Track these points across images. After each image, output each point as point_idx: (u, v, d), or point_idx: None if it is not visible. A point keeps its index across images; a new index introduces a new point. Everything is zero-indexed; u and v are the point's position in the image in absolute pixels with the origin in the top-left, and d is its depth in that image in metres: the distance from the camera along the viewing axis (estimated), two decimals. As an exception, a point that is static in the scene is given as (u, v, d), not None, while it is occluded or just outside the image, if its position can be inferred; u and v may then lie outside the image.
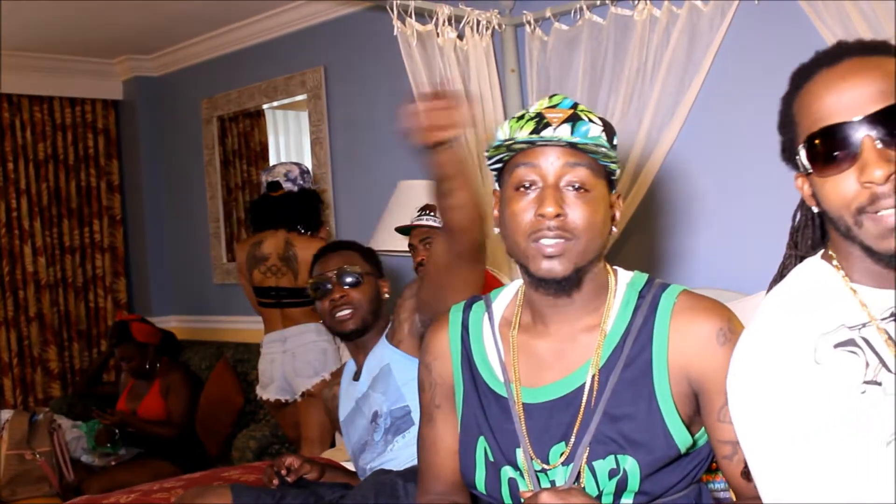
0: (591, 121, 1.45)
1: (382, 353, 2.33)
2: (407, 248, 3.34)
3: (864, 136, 1.14)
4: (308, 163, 4.77)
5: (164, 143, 5.78)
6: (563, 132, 1.42)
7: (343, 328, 2.37)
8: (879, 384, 1.15)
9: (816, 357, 1.18)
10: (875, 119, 1.13)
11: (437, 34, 3.32)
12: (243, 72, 5.10)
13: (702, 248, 3.21)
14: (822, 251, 1.30)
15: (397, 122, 1.86)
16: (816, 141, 1.17)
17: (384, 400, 2.25)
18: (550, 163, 1.43)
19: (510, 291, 1.64)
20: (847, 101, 1.16)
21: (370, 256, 2.51)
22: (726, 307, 1.49)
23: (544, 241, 1.42)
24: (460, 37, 3.40)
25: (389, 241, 3.65)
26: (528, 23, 3.48)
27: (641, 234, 3.34)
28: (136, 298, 5.94)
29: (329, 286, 2.39)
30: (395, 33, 3.19)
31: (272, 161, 5.29)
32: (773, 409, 1.18)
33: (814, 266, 1.29)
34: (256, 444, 4.09)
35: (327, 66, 4.59)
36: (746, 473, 1.26)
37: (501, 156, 1.49)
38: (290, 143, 5.43)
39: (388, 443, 2.23)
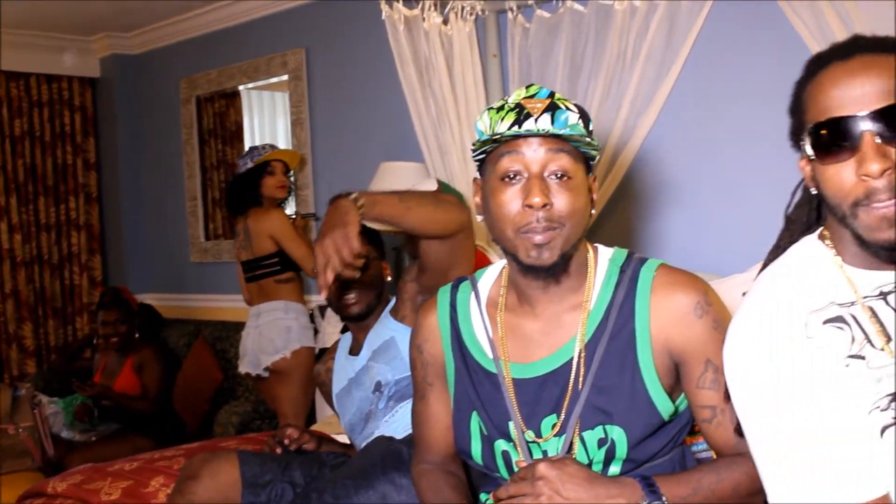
0: (568, 109, 1.51)
1: (386, 328, 2.40)
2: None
3: (864, 130, 1.20)
4: (287, 143, 4.84)
5: (142, 122, 5.78)
6: (545, 122, 1.48)
7: (349, 312, 2.42)
8: (863, 358, 1.24)
9: (808, 332, 1.27)
10: (877, 116, 1.20)
11: (423, 18, 3.39)
12: (223, 52, 5.13)
13: (677, 231, 3.32)
14: (819, 231, 1.38)
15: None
16: (822, 131, 1.24)
17: (388, 370, 2.32)
18: (534, 151, 1.49)
19: (494, 272, 1.71)
20: (853, 96, 1.22)
21: (374, 239, 2.54)
22: (702, 280, 1.58)
23: (533, 234, 1.48)
24: (445, 21, 3.47)
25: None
26: (511, 9, 3.55)
27: (618, 217, 3.44)
28: (112, 276, 5.95)
29: None
30: (382, 17, 3.26)
31: (247, 141, 5.35)
32: (767, 380, 1.27)
33: (809, 245, 1.37)
34: (238, 420, 4.17)
35: (309, 47, 4.64)
36: (739, 430, 1.35)
37: (486, 147, 1.54)
38: (264, 123, 5.47)
39: (391, 409, 2.30)
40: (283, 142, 5.11)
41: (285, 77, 4.77)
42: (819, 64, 1.29)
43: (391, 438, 2.11)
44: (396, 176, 3.66)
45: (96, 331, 5.03)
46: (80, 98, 5.79)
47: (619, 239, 3.42)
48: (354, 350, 2.49)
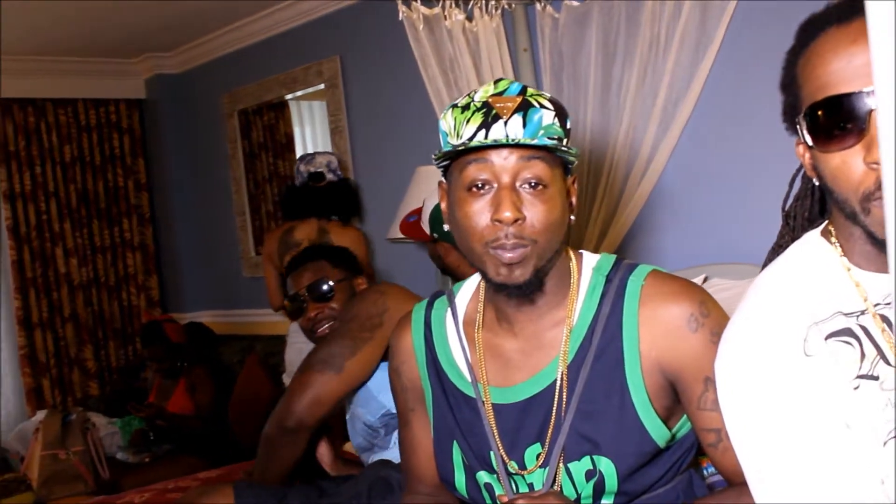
0: (542, 106, 1.34)
1: None
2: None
3: (873, 109, 0.98)
4: (329, 152, 4.78)
5: (189, 140, 5.80)
6: (515, 124, 1.31)
7: None
8: (876, 378, 1.05)
9: (806, 349, 1.08)
10: None
11: (445, 17, 3.27)
12: (262, 64, 5.10)
13: (727, 220, 3.13)
14: (822, 226, 1.18)
15: None
16: (819, 112, 1.04)
17: (367, 412, 2.26)
18: (504, 159, 1.32)
19: (471, 286, 1.56)
20: (857, 68, 1.01)
21: (342, 259, 2.45)
22: (698, 288, 1.40)
23: (503, 251, 1.32)
24: (469, 18, 3.35)
25: (409, 229, 3.62)
26: (539, 0, 3.42)
27: (663, 209, 3.27)
28: (168, 295, 5.98)
29: (304, 304, 2.36)
30: (400, 18, 3.15)
31: (298, 152, 5.30)
32: (761, 403, 1.09)
33: (811, 244, 1.17)
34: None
35: (343, 55, 4.56)
36: None
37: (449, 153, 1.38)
38: (316, 133, 5.40)
39: (392, 440, 2.23)
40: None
41: (322, 86, 4.70)
42: (813, 29, 1.08)
43: (386, 463, 2.02)
44: (432, 181, 3.55)
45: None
46: (127, 120, 5.83)
47: (667, 229, 3.26)
48: None
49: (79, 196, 5.64)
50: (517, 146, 1.33)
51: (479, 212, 1.34)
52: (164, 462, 4.33)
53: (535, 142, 1.31)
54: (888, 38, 0.54)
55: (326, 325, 2.31)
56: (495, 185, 1.33)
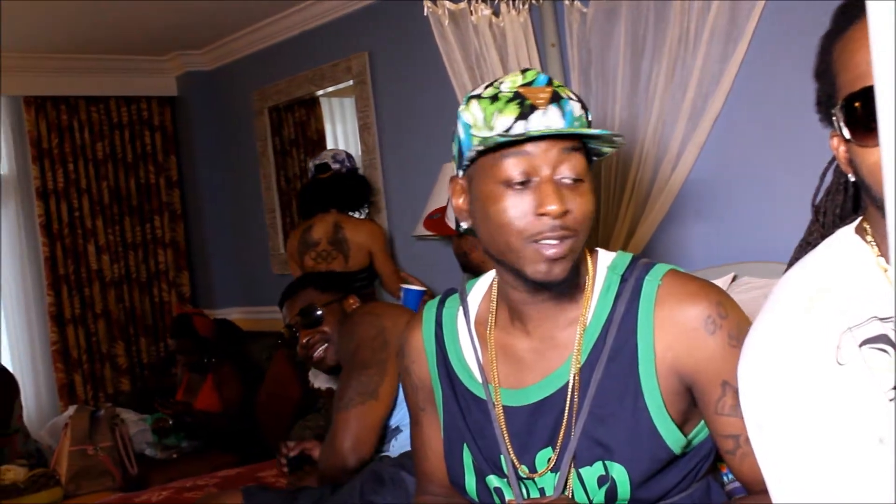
0: (570, 98, 1.31)
1: None
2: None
3: None
4: (357, 149, 4.76)
5: (220, 137, 5.81)
6: (554, 115, 1.28)
7: (324, 367, 2.44)
8: None
9: (839, 357, 1.00)
10: None
11: (471, 12, 3.24)
12: (292, 61, 5.09)
13: (757, 217, 3.07)
14: (857, 223, 1.11)
15: None
16: (857, 103, 0.98)
17: None
18: (545, 151, 1.27)
19: (484, 284, 1.52)
20: None
21: (328, 283, 2.53)
22: (716, 288, 1.35)
23: (547, 243, 1.27)
24: (496, 13, 3.31)
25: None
26: (567, -5, 3.38)
27: (692, 206, 3.21)
28: (200, 292, 6.01)
29: (296, 333, 2.45)
30: (425, 13, 3.13)
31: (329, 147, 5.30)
32: (788, 414, 1.02)
33: (845, 241, 1.10)
34: (312, 434, 4.09)
35: (371, 51, 4.54)
36: None
37: (480, 147, 1.31)
38: (347, 130, 5.39)
39: (390, 445, 2.28)
40: (356, 149, 5.03)
41: (351, 82, 4.69)
42: (852, 12, 1.02)
43: (381, 459, 2.10)
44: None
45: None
46: (159, 117, 5.86)
47: (699, 232, 3.20)
48: None
49: (111, 193, 5.68)
50: (557, 138, 1.29)
51: (517, 206, 1.29)
52: (192, 458, 4.34)
53: (585, 129, 1.28)
54: (888, 37, 0.52)
55: (321, 349, 2.40)
56: (535, 179, 1.29)
